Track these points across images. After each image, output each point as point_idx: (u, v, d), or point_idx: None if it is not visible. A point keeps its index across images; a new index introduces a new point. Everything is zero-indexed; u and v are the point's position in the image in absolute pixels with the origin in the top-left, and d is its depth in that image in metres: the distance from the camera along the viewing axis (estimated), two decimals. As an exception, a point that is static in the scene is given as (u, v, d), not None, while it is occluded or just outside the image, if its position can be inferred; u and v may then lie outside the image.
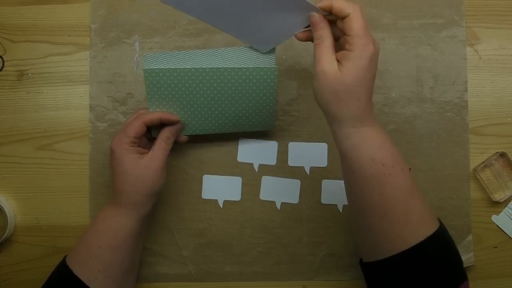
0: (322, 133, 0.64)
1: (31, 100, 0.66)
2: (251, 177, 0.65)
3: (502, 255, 0.64)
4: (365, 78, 0.46)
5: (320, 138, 0.64)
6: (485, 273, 0.64)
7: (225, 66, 0.56)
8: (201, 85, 0.57)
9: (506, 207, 0.64)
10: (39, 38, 0.66)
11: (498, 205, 0.64)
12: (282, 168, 0.65)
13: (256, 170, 0.65)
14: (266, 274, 0.65)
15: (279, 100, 0.65)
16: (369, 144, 0.47)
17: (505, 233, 0.64)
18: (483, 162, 0.64)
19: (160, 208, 0.65)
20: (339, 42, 0.48)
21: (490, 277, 0.64)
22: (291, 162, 0.65)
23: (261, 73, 0.57)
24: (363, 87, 0.46)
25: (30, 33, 0.66)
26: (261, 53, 0.56)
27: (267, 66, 0.56)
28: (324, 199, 0.65)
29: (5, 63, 0.66)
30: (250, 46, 0.55)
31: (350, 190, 0.51)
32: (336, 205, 0.65)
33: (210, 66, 0.56)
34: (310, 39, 0.49)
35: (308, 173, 0.65)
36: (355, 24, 0.44)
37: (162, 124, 0.58)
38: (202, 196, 0.65)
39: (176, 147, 0.64)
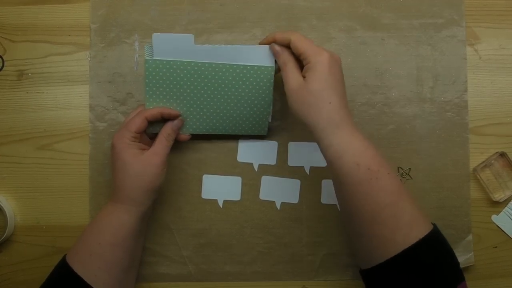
0: (322, 133, 0.64)
1: (31, 100, 0.66)
2: (251, 177, 0.65)
3: (502, 255, 0.64)
4: (329, 81, 0.49)
5: (320, 138, 0.64)
6: (485, 273, 0.64)
7: (224, 62, 0.57)
8: (199, 80, 0.58)
9: (506, 207, 0.64)
10: (39, 38, 0.66)
11: (498, 205, 0.64)
12: (282, 168, 0.65)
13: (256, 170, 0.65)
14: (266, 274, 0.65)
15: (279, 100, 0.65)
16: (353, 150, 0.48)
17: (505, 233, 0.64)
18: (483, 162, 0.64)
19: (160, 208, 0.65)
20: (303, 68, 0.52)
21: (490, 277, 0.64)
22: (291, 162, 0.65)
23: (258, 71, 0.57)
24: (331, 90, 0.49)
25: (30, 33, 0.66)
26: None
27: (265, 64, 0.57)
28: (324, 199, 0.65)
29: (5, 63, 0.66)
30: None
31: (339, 196, 0.52)
32: (336, 205, 0.65)
33: (210, 61, 0.57)
34: None
35: (308, 173, 0.65)
36: (299, 43, 0.51)
37: (163, 121, 0.58)
38: (202, 196, 0.65)
39: (176, 147, 0.64)
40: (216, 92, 0.59)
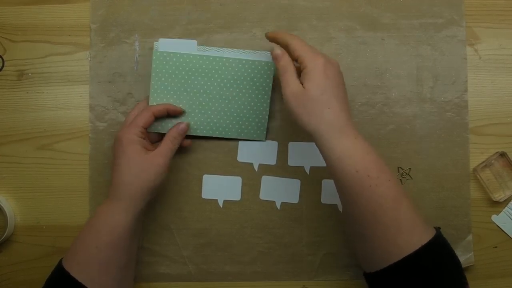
0: (322, 133, 0.64)
1: (31, 100, 0.66)
2: (251, 177, 0.65)
3: (502, 255, 0.64)
4: (327, 86, 0.49)
5: (320, 138, 0.64)
6: (485, 273, 0.64)
7: (227, 56, 0.60)
8: (202, 74, 0.61)
9: (506, 207, 0.64)
10: (39, 38, 0.66)
11: (498, 205, 0.64)
12: (282, 168, 0.65)
13: (256, 170, 0.65)
14: (266, 274, 0.65)
15: (280, 100, 0.65)
16: (353, 156, 0.48)
17: (505, 233, 0.64)
18: (483, 162, 0.64)
19: (160, 208, 0.65)
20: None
21: (490, 277, 0.64)
22: (291, 162, 0.65)
23: (259, 66, 0.60)
24: (329, 95, 0.49)
25: (30, 33, 0.66)
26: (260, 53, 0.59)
27: (265, 60, 0.60)
28: (324, 199, 0.65)
29: (5, 63, 0.66)
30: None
31: (341, 199, 0.52)
32: (336, 205, 0.65)
33: (213, 55, 0.60)
34: None
35: (308, 173, 0.65)
36: (297, 46, 0.51)
37: (167, 117, 0.61)
38: (202, 196, 0.65)
39: (176, 147, 0.64)
40: (218, 88, 0.61)
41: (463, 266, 0.62)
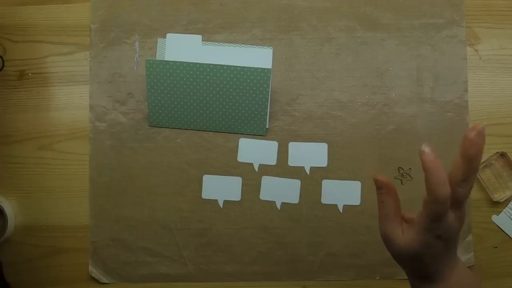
0: (322, 133, 0.64)
1: (31, 100, 0.66)
2: (251, 177, 0.65)
3: (502, 255, 0.64)
4: (431, 245, 0.40)
5: (320, 138, 0.64)
6: (485, 273, 0.64)
7: (221, 63, 0.60)
8: (198, 80, 0.61)
9: (506, 207, 0.64)
10: (39, 38, 0.66)
11: (498, 205, 0.64)
12: (282, 168, 0.65)
13: (256, 170, 0.65)
14: (266, 274, 0.65)
15: (279, 100, 0.65)
16: None
17: (505, 233, 0.64)
18: (483, 162, 0.64)
19: (160, 208, 0.65)
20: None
21: (490, 277, 0.64)
22: (291, 162, 0.65)
23: (255, 73, 0.60)
24: (429, 255, 0.41)
25: (30, 33, 0.66)
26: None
27: (262, 66, 0.60)
28: (324, 199, 0.65)
29: (5, 63, 0.66)
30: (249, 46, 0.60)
31: None
32: (336, 205, 0.65)
33: (207, 62, 0.60)
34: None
35: (308, 173, 0.65)
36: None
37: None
38: (202, 196, 0.65)
39: (176, 147, 0.64)
40: (214, 92, 0.62)
41: (463, 266, 0.63)
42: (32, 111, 0.66)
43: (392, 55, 0.65)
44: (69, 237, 0.65)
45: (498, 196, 0.63)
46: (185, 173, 0.65)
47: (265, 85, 0.61)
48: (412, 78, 0.65)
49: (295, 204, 0.65)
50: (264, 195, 0.65)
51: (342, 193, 0.64)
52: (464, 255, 0.63)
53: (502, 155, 0.63)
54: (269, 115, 0.64)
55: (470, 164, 0.38)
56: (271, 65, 0.64)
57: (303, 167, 0.65)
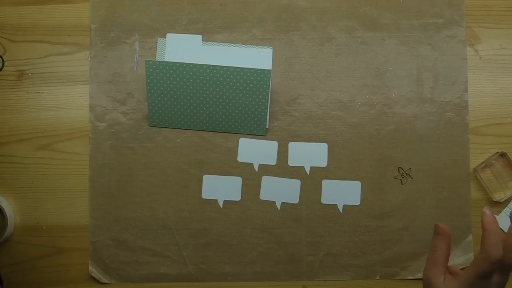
0: (322, 133, 0.64)
1: (31, 100, 0.66)
2: (251, 177, 0.65)
3: (502, 255, 0.64)
4: None
5: (320, 138, 0.64)
6: (485, 273, 0.64)
7: (221, 64, 0.60)
8: (197, 80, 0.61)
9: (506, 207, 0.64)
10: (39, 38, 0.66)
11: (498, 205, 0.64)
12: (282, 168, 0.65)
13: (256, 170, 0.65)
14: (266, 274, 0.65)
15: (279, 100, 0.65)
16: None
17: (505, 233, 0.64)
18: (483, 162, 0.64)
19: (160, 208, 0.65)
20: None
21: (490, 277, 0.64)
22: (291, 162, 0.65)
23: (255, 74, 0.60)
24: None
25: (30, 33, 0.66)
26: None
27: (261, 68, 0.59)
28: (324, 199, 0.65)
29: (5, 63, 0.66)
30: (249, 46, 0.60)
31: None
32: (336, 205, 0.65)
33: (206, 63, 0.60)
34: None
35: (308, 173, 0.65)
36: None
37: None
38: (202, 196, 0.65)
39: (176, 147, 0.64)
40: (214, 93, 0.62)
41: (463, 266, 0.63)
42: (32, 111, 0.66)
43: (392, 55, 0.65)
44: (69, 237, 0.65)
45: (498, 196, 0.63)
46: (185, 173, 0.65)
47: (265, 86, 0.61)
48: (412, 78, 0.65)
49: (295, 204, 0.65)
50: (264, 195, 0.65)
51: (342, 193, 0.64)
52: (464, 255, 0.63)
53: (502, 155, 0.63)
54: (269, 115, 0.64)
55: None
56: (271, 65, 0.64)
57: (303, 167, 0.65)
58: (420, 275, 0.63)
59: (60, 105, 0.66)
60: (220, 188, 0.65)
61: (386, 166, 0.64)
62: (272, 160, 0.65)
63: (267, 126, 0.64)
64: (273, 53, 0.65)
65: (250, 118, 0.63)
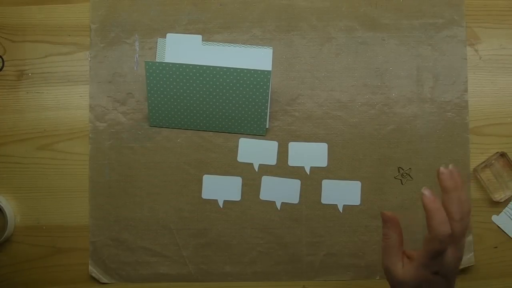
0: (322, 133, 0.64)
1: (31, 100, 0.66)
2: (251, 177, 0.65)
3: (502, 255, 0.64)
4: (428, 281, 0.43)
5: (320, 138, 0.64)
6: (485, 273, 0.64)
7: (221, 65, 0.60)
8: (197, 81, 0.61)
9: (506, 207, 0.64)
10: (39, 38, 0.66)
11: (498, 205, 0.64)
12: (282, 168, 0.65)
13: (256, 170, 0.65)
14: (266, 274, 0.65)
15: (279, 100, 0.65)
16: None
17: (505, 233, 0.64)
18: (483, 162, 0.64)
19: (160, 208, 0.65)
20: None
21: (490, 277, 0.64)
22: (291, 162, 0.65)
23: (255, 75, 0.60)
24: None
25: (30, 33, 0.66)
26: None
27: (261, 68, 0.60)
28: (324, 199, 0.65)
29: (5, 63, 0.66)
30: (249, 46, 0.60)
31: None
32: (336, 205, 0.65)
33: (206, 64, 0.60)
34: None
35: (308, 173, 0.65)
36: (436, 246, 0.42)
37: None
38: (202, 196, 0.65)
39: (176, 147, 0.65)
40: (214, 93, 0.61)
41: (463, 266, 0.63)
42: (32, 111, 0.66)
43: (392, 55, 0.65)
44: (69, 237, 0.65)
45: (498, 196, 0.63)
46: (185, 173, 0.65)
47: (265, 87, 0.61)
48: (412, 78, 0.65)
49: (295, 204, 0.65)
50: (264, 195, 0.65)
51: (342, 193, 0.64)
52: (464, 255, 0.63)
53: (502, 155, 0.63)
54: (269, 115, 0.64)
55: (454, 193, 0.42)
56: (271, 65, 0.64)
57: (303, 167, 0.65)
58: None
59: (60, 105, 0.66)
60: (220, 188, 0.65)
61: (386, 166, 0.64)
62: (272, 160, 0.65)
63: (267, 126, 0.64)
64: (273, 53, 0.65)
65: (250, 118, 0.63)
